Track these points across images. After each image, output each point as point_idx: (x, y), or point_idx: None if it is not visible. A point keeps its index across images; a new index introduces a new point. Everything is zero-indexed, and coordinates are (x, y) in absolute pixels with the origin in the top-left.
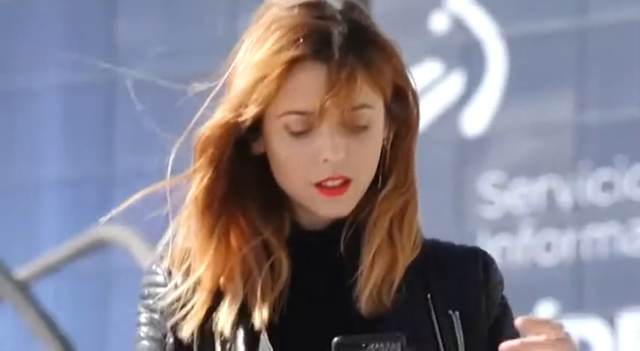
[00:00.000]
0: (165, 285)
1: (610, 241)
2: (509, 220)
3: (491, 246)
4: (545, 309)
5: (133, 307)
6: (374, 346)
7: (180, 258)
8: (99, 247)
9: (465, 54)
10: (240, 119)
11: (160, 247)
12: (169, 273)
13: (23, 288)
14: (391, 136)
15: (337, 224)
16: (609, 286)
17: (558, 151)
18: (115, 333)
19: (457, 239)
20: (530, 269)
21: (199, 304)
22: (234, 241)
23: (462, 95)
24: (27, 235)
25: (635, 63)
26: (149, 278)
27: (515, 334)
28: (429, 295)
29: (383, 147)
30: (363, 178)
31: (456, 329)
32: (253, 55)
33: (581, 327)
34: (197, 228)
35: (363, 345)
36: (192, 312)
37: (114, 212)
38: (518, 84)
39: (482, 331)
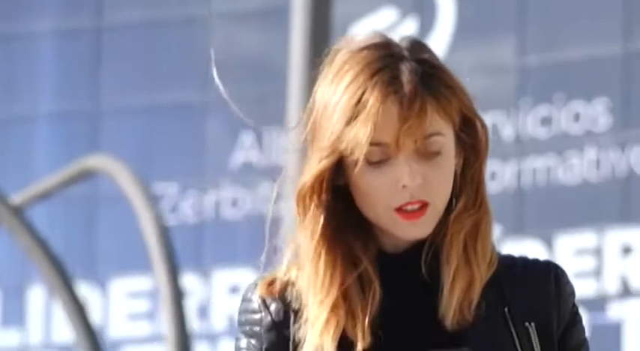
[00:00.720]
0: (260, 311)
1: (548, 171)
2: None
3: None
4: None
5: (118, 230)
6: None
7: (277, 288)
8: (88, 175)
9: (418, 2)
10: (337, 161)
11: (264, 284)
12: (265, 303)
13: (18, 213)
14: (461, 162)
15: (417, 246)
16: (546, 211)
17: (502, 89)
18: (102, 253)
19: None
20: None
21: (311, 332)
22: (343, 274)
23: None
24: (22, 165)
25: (569, 10)
26: (245, 306)
27: (582, 342)
28: (506, 309)
29: (455, 172)
30: (439, 201)
31: (533, 341)
32: (331, 96)
33: (521, 247)
34: (313, 267)
35: None
36: (305, 340)
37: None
38: (465, 30)
39: (555, 342)
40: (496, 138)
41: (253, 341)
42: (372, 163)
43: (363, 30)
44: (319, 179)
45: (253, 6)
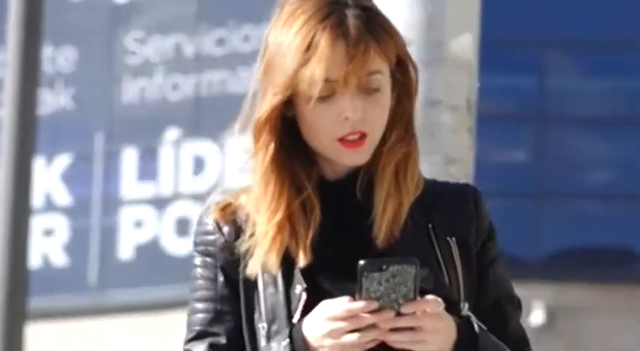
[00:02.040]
0: (214, 233)
1: (222, 83)
2: (146, 66)
3: (133, 86)
4: (172, 133)
5: None
6: (393, 268)
7: (229, 212)
8: None
9: None
10: (289, 95)
11: (217, 208)
12: (218, 225)
13: None
14: (394, 99)
15: (354, 173)
16: (220, 118)
17: (185, 15)
18: None
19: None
20: (162, 104)
21: (258, 251)
22: (287, 196)
23: None
24: None
25: None
26: (199, 228)
27: (498, 254)
28: (430, 226)
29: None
30: (376, 133)
31: (453, 252)
32: (284, 38)
33: (198, 147)
34: (262, 192)
35: (384, 267)
36: (254, 257)
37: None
38: None
39: (473, 255)
40: (179, 55)
41: (209, 260)
42: (320, 97)
43: None
44: (273, 113)
45: None
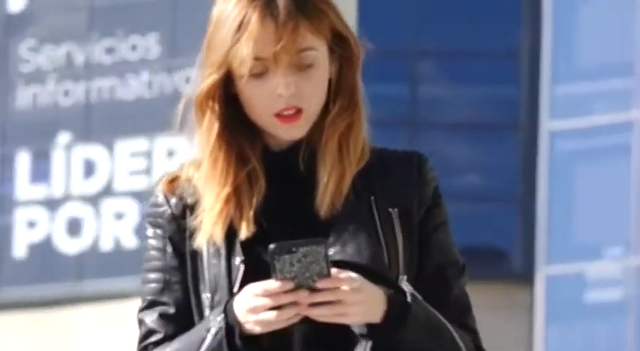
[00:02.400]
0: (163, 205)
1: (111, 90)
2: (38, 74)
3: (26, 93)
4: (63, 137)
5: None
6: (303, 250)
7: (177, 185)
8: None
9: None
10: (225, 73)
11: (165, 182)
12: (167, 198)
13: None
14: (337, 71)
15: (297, 145)
16: (109, 123)
17: (75, 25)
18: None
19: None
20: (54, 110)
21: (208, 222)
22: (233, 169)
23: None
24: None
25: None
26: (150, 200)
27: (443, 221)
28: (372, 198)
29: (330, 81)
30: (313, 107)
31: (395, 224)
32: (221, 16)
33: (89, 151)
34: (208, 163)
35: (294, 249)
36: (202, 230)
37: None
38: None
39: (415, 224)
40: (70, 63)
41: (159, 231)
42: (254, 75)
43: None
44: (212, 89)
45: None
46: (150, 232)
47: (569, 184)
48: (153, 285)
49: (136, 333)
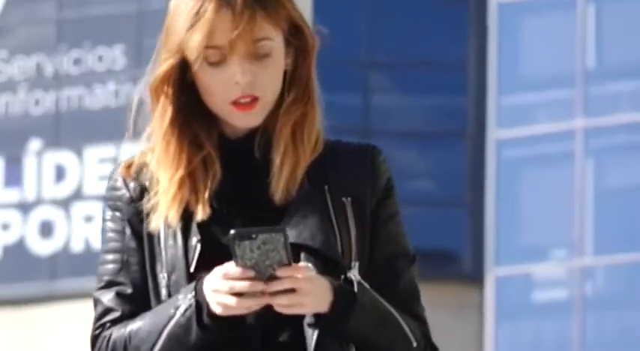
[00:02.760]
0: (122, 189)
1: (79, 99)
2: (10, 83)
3: None
4: (35, 144)
5: None
6: (262, 236)
7: (134, 169)
8: None
9: None
10: (180, 59)
11: (123, 167)
12: (125, 181)
13: None
14: (292, 62)
15: (254, 133)
16: (78, 130)
17: (45, 36)
18: None
19: None
20: (25, 118)
21: (163, 205)
22: (187, 154)
23: None
24: None
25: None
26: (110, 184)
27: (394, 212)
28: (326, 187)
29: (286, 71)
30: (269, 95)
31: (347, 213)
32: (179, 4)
33: (59, 157)
34: (164, 148)
35: (254, 236)
36: (157, 213)
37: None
38: None
39: (368, 213)
40: (40, 73)
41: (117, 214)
42: (211, 63)
43: None
44: (166, 76)
45: None
46: (108, 214)
47: (516, 190)
48: (110, 266)
49: None
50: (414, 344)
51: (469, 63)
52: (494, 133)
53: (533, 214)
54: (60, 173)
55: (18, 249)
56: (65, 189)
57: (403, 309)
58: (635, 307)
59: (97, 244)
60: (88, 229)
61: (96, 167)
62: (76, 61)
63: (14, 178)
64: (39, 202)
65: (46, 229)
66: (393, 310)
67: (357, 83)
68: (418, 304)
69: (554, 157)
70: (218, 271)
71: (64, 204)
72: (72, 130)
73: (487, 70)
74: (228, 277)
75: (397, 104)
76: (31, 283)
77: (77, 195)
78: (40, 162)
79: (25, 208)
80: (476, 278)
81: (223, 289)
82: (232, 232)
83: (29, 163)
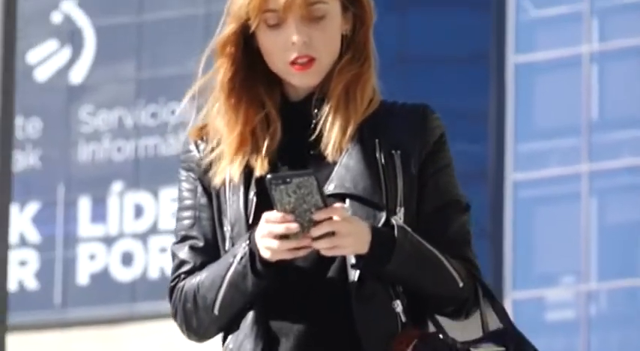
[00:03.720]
0: (193, 151)
1: (155, 148)
2: (96, 134)
3: (86, 149)
4: (117, 186)
5: None
6: (296, 180)
7: (204, 133)
8: None
9: (69, 36)
10: (242, 24)
11: (194, 130)
12: (196, 144)
13: None
14: (350, 28)
15: (312, 95)
16: (155, 174)
17: (125, 93)
18: None
19: None
20: (108, 163)
21: (225, 162)
22: (250, 114)
23: (70, 60)
24: None
25: (162, 40)
26: (184, 148)
27: (447, 164)
28: (377, 141)
29: (344, 36)
30: (325, 56)
31: (396, 164)
32: None
33: (138, 197)
34: (226, 107)
35: (288, 180)
36: (220, 169)
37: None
38: (103, 55)
39: (415, 166)
40: (122, 125)
41: (191, 173)
42: (270, 26)
43: (38, 56)
44: (228, 40)
45: None
46: (183, 175)
47: (531, 224)
48: (185, 221)
49: (178, 346)
50: (460, 285)
51: (489, 114)
52: (512, 176)
53: (545, 245)
54: (139, 211)
55: (103, 276)
56: (143, 224)
57: (453, 253)
58: (634, 326)
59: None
60: (163, 259)
61: (170, 206)
62: (153, 115)
63: (99, 215)
64: (120, 235)
65: (127, 259)
66: (437, 253)
67: None
68: (468, 248)
69: (563, 196)
70: (262, 218)
71: (142, 237)
72: (149, 173)
73: (505, 120)
74: (269, 221)
75: None
76: (114, 305)
77: (153, 230)
78: (121, 201)
79: (108, 241)
80: None
81: (265, 233)
82: (268, 177)
83: (112, 202)
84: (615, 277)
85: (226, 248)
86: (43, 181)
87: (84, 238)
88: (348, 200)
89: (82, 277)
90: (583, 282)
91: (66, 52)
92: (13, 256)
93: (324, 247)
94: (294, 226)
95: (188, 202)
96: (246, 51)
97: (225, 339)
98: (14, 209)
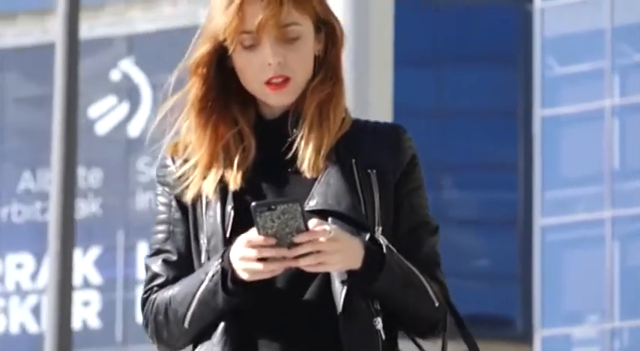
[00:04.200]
0: (169, 165)
1: None
2: (152, 183)
3: (144, 198)
4: None
5: None
6: (281, 207)
7: (180, 149)
8: None
9: (128, 92)
10: (216, 44)
11: (166, 144)
12: (172, 159)
13: None
14: (322, 48)
15: (286, 113)
16: None
17: None
18: None
19: None
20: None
21: (196, 177)
22: (221, 131)
23: (128, 115)
24: None
25: None
26: (160, 162)
27: (419, 185)
28: (353, 160)
29: (317, 56)
30: (299, 76)
31: (372, 183)
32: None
33: None
34: (196, 124)
35: (273, 207)
36: (192, 184)
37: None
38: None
39: (391, 185)
40: None
41: (166, 188)
42: (245, 47)
43: (99, 111)
44: (202, 58)
45: None
46: (159, 190)
47: (557, 266)
48: (159, 235)
49: None
50: (436, 304)
51: (518, 164)
52: (539, 221)
53: (572, 286)
54: None
55: None
56: None
57: (425, 273)
58: None
59: None
60: None
61: None
62: None
63: None
64: None
65: None
66: (417, 273)
67: (429, 181)
68: (439, 269)
69: (588, 240)
70: (241, 240)
71: None
72: None
73: (533, 170)
74: (252, 245)
75: (460, 197)
76: None
77: None
78: None
79: None
80: (526, 338)
81: (249, 255)
82: (253, 204)
83: None
84: (637, 316)
85: (202, 261)
86: (104, 228)
87: (142, 281)
88: (330, 218)
89: (141, 317)
90: (607, 320)
91: (124, 107)
92: (77, 297)
93: (309, 264)
94: (283, 251)
95: (163, 217)
96: (220, 70)
97: (194, 347)
98: (77, 253)
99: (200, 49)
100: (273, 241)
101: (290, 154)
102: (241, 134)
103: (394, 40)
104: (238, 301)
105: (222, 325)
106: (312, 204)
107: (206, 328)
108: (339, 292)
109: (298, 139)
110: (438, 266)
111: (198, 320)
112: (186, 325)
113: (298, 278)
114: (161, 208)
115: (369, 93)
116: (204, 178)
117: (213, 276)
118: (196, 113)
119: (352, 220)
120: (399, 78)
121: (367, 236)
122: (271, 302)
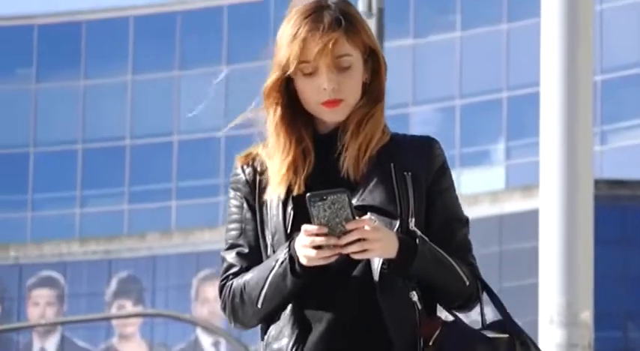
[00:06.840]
0: (240, 174)
1: None
2: None
3: None
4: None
5: None
6: (331, 197)
7: (250, 158)
8: None
9: None
10: (284, 72)
11: (241, 156)
12: (242, 168)
13: None
14: (369, 76)
15: (336, 129)
16: None
17: None
18: None
19: None
20: None
21: (271, 185)
22: (291, 147)
23: None
24: None
25: None
26: (233, 171)
27: (449, 186)
28: (391, 164)
29: (364, 83)
30: (350, 99)
31: (408, 183)
32: (282, 33)
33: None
34: (273, 139)
35: (324, 197)
36: (270, 189)
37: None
38: None
39: (423, 185)
40: None
41: (238, 193)
42: (305, 74)
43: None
44: (274, 86)
45: None
46: (231, 194)
47: None
48: (233, 232)
49: None
50: (467, 283)
51: None
52: None
53: None
54: None
55: None
56: None
57: (457, 258)
58: None
59: None
60: None
61: None
62: None
63: None
64: None
65: None
66: (448, 257)
67: None
68: (470, 255)
69: None
70: (302, 229)
71: None
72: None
73: None
74: (308, 234)
75: None
76: None
77: None
78: None
79: None
80: None
81: (305, 243)
82: (308, 195)
83: None
84: None
85: (268, 254)
86: None
87: None
88: (369, 212)
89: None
90: None
91: None
92: None
93: (355, 251)
94: (332, 240)
95: (235, 216)
96: (287, 92)
97: (267, 328)
98: None
99: (271, 76)
100: (325, 229)
101: (339, 162)
102: (304, 147)
103: None
104: (303, 283)
105: (289, 307)
106: (353, 202)
107: (276, 309)
108: (376, 266)
109: (342, 150)
110: (470, 251)
111: (269, 301)
112: (259, 305)
113: (347, 263)
114: (234, 209)
115: None
116: (279, 185)
117: (282, 263)
118: (274, 130)
119: (386, 212)
120: None
121: (396, 226)
122: (326, 283)
